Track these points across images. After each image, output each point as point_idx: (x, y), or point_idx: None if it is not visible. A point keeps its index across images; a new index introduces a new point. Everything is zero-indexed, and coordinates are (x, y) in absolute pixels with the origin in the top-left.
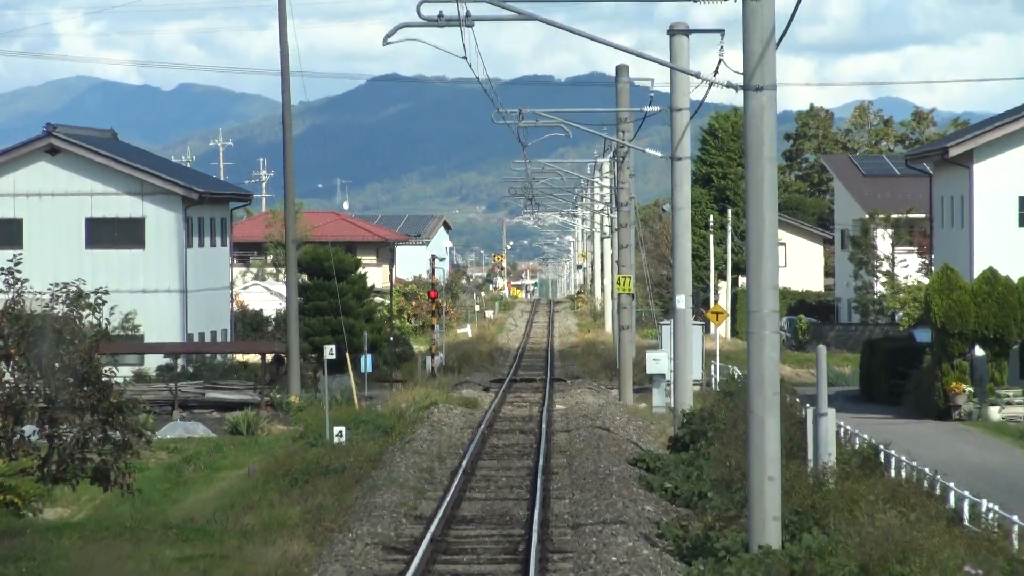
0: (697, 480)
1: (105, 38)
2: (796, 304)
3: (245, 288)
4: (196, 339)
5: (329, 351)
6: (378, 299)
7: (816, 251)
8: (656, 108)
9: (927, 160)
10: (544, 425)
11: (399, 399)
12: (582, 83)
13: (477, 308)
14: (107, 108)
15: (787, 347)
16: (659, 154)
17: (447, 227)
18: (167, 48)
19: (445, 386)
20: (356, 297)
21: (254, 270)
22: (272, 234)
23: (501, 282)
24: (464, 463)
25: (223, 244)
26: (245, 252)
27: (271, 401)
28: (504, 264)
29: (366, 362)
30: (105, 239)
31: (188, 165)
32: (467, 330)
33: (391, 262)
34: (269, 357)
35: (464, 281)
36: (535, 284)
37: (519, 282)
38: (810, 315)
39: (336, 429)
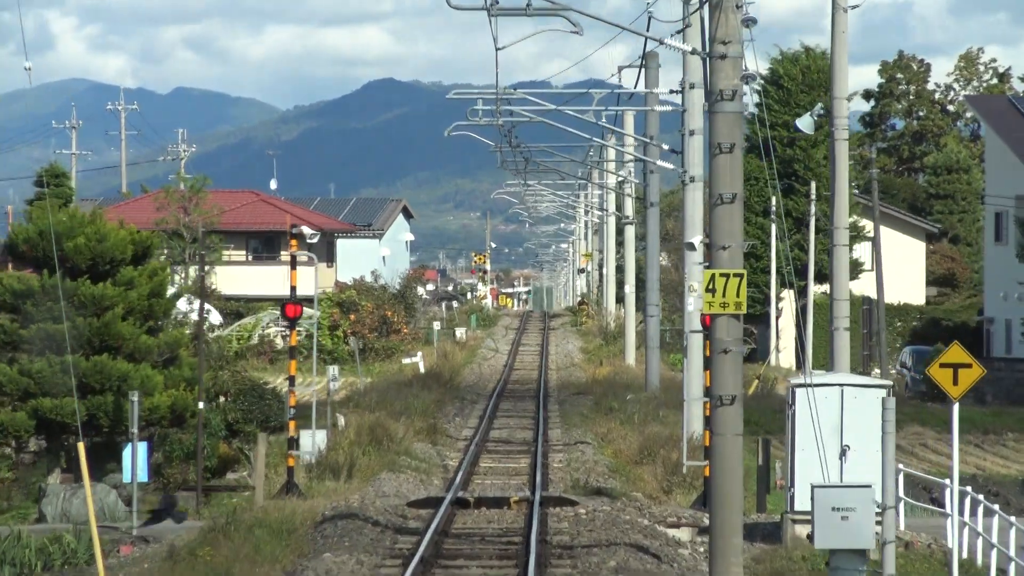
0: None
1: (101, 40)
2: (923, 325)
3: None
4: None
5: None
6: (308, 311)
7: (914, 248)
8: None
9: None
10: None
11: None
12: (580, 87)
13: (437, 325)
14: (101, 111)
15: (915, 394)
16: None
17: (408, 214)
18: (162, 52)
19: (300, 529)
20: (138, 316)
21: None
22: (164, 219)
23: (483, 288)
24: None
25: None
26: None
27: None
28: (487, 266)
29: (134, 461)
30: None
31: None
32: (417, 359)
33: (329, 259)
34: None
35: (422, 289)
36: (528, 292)
37: (510, 290)
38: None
39: None
